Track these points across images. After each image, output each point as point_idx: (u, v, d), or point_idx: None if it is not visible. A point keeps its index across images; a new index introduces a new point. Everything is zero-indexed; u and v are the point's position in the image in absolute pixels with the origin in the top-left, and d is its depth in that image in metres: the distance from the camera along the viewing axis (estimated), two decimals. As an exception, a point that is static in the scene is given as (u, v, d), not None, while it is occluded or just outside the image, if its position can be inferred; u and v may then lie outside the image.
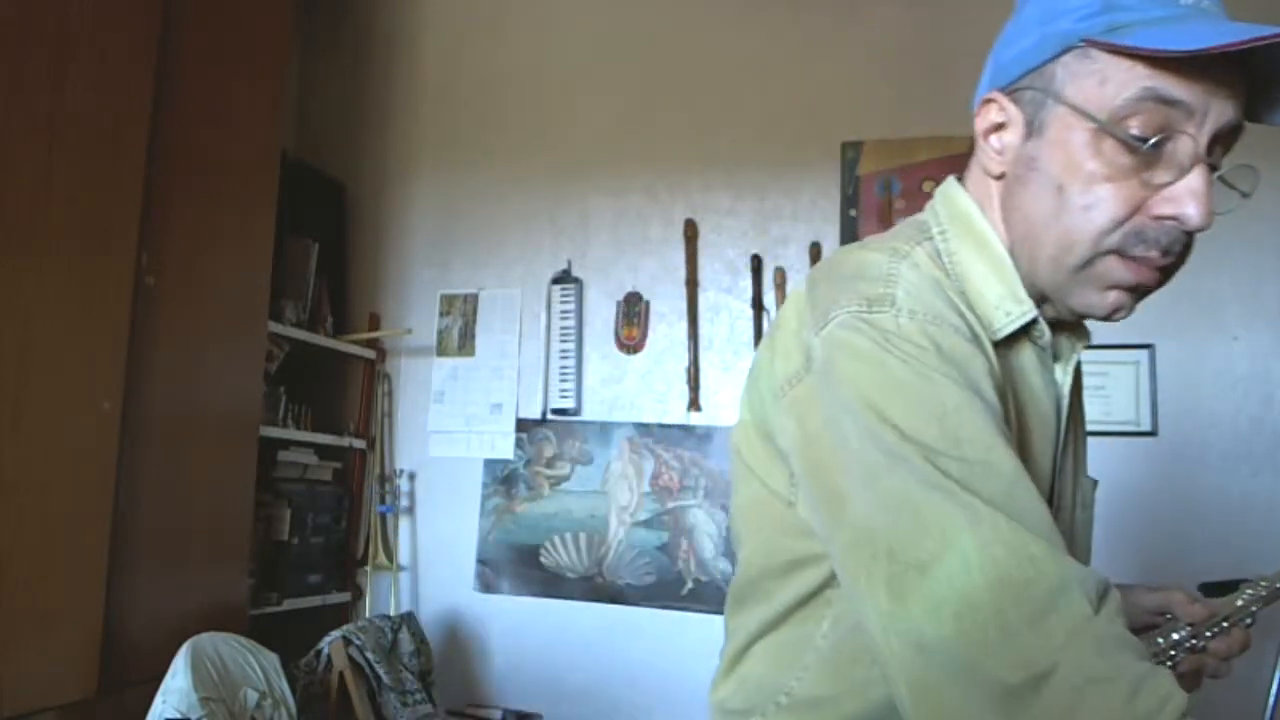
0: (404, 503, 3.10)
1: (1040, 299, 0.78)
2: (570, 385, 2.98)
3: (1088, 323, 0.84)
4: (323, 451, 2.95)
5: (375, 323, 3.21)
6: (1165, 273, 0.74)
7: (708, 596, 2.77)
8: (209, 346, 2.31)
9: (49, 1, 1.90)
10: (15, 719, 1.80)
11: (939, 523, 0.60)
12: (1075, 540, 0.85)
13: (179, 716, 1.88)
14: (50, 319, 1.89)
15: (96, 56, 1.99)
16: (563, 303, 3.03)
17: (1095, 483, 0.91)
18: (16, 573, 1.81)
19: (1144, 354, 2.58)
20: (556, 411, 2.99)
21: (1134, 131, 0.68)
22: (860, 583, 0.64)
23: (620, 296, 3.00)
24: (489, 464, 3.04)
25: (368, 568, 3.02)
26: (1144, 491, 2.54)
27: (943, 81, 2.81)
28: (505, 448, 3.03)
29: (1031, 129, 0.74)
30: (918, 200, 2.79)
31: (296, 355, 2.87)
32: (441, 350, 3.14)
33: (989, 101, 0.78)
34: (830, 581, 0.77)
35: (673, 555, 2.81)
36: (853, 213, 2.83)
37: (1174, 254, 0.72)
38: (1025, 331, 0.77)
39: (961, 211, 0.81)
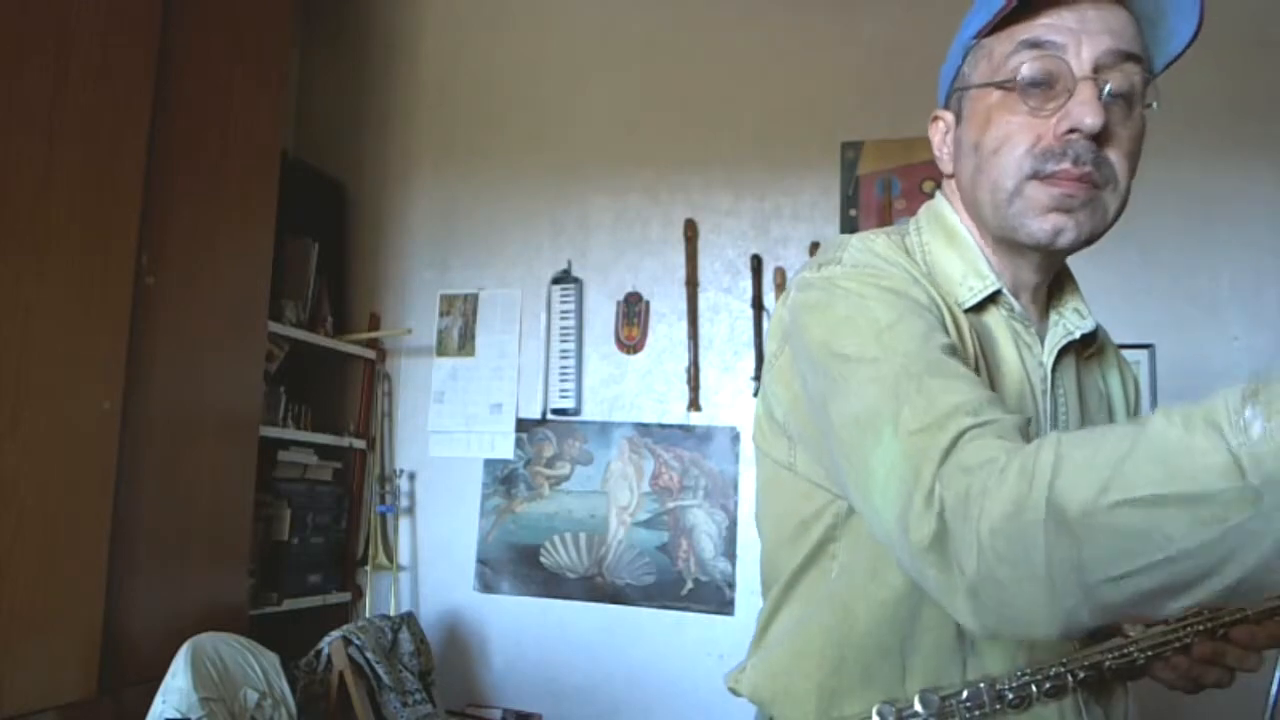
0: (404, 503, 3.10)
1: (1015, 265, 0.87)
2: (570, 385, 2.98)
3: (1108, 322, 0.92)
4: (323, 451, 2.95)
5: (375, 323, 3.21)
6: (1094, 184, 0.80)
7: (708, 596, 2.77)
8: (209, 346, 2.31)
9: (49, 1, 1.90)
10: (15, 719, 1.80)
11: (879, 412, 0.70)
12: None
13: (179, 716, 1.88)
14: (50, 319, 1.89)
15: (96, 56, 1.99)
16: (563, 303, 3.03)
17: None
18: (16, 573, 1.81)
19: (1144, 354, 2.58)
20: (556, 411, 2.99)
21: (1024, 73, 0.79)
22: (851, 468, 0.73)
23: (620, 296, 3.00)
24: (489, 464, 3.04)
25: (368, 568, 3.02)
26: (1144, 491, 2.54)
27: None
28: (505, 448, 3.03)
29: (958, 120, 0.89)
30: (918, 200, 2.79)
31: (296, 355, 2.87)
32: (441, 350, 3.14)
33: (934, 119, 0.94)
34: (832, 534, 0.85)
35: (673, 555, 2.81)
36: (853, 213, 2.83)
37: (1086, 162, 0.78)
38: (994, 303, 0.86)
39: (936, 211, 0.93)
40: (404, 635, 2.62)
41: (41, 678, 1.86)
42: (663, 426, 2.89)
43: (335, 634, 2.45)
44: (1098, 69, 0.78)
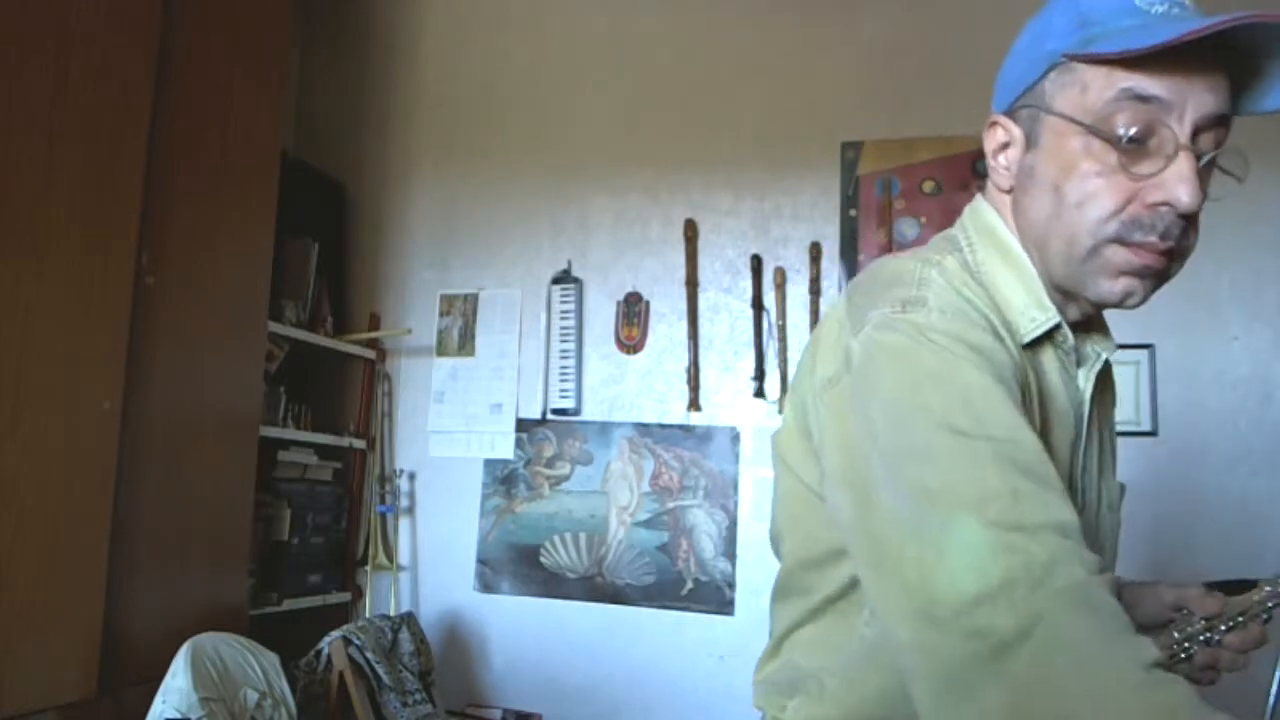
0: (404, 503, 3.10)
1: (1064, 304, 0.84)
2: (570, 385, 2.98)
3: (1109, 323, 0.90)
4: (323, 451, 2.95)
5: (375, 323, 3.21)
6: (1171, 257, 0.78)
7: (708, 596, 2.77)
8: (209, 346, 2.31)
9: (49, 1, 1.90)
10: (15, 719, 1.80)
11: (960, 492, 0.65)
12: (1101, 540, 0.91)
13: (179, 716, 1.88)
14: (50, 319, 1.89)
15: (96, 56, 1.99)
16: (563, 303, 3.03)
17: (1123, 487, 0.96)
18: (16, 573, 1.81)
19: (1144, 354, 2.58)
20: (556, 411, 2.99)
21: (1118, 129, 0.74)
22: (889, 527, 0.68)
23: (620, 296, 3.00)
24: (489, 464, 3.04)
25: (368, 568, 3.02)
26: (1144, 491, 2.54)
27: (943, 81, 2.82)
28: (505, 448, 3.03)
29: (1030, 142, 0.81)
30: (918, 200, 2.79)
31: (296, 355, 2.87)
32: (441, 350, 3.14)
33: (994, 124, 0.85)
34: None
35: (672, 555, 2.81)
36: (853, 213, 2.83)
37: (1173, 238, 0.76)
38: (1049, 336, 0.83)
39: (987, 225, 0.87)
40: (404, 635, 2.62)
41: (41, 678, 1.86)
42: (663, 426, 2.89)
43: (335, 634, 2.45)
44: (1199, 133, 0.74)
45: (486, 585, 2.98)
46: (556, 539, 2.93)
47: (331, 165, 3.27)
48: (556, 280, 3.05)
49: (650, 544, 2.83)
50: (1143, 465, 2.55)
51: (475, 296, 3.14)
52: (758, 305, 2.85)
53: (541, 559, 2.93)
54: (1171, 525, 2.51)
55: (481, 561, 3.00)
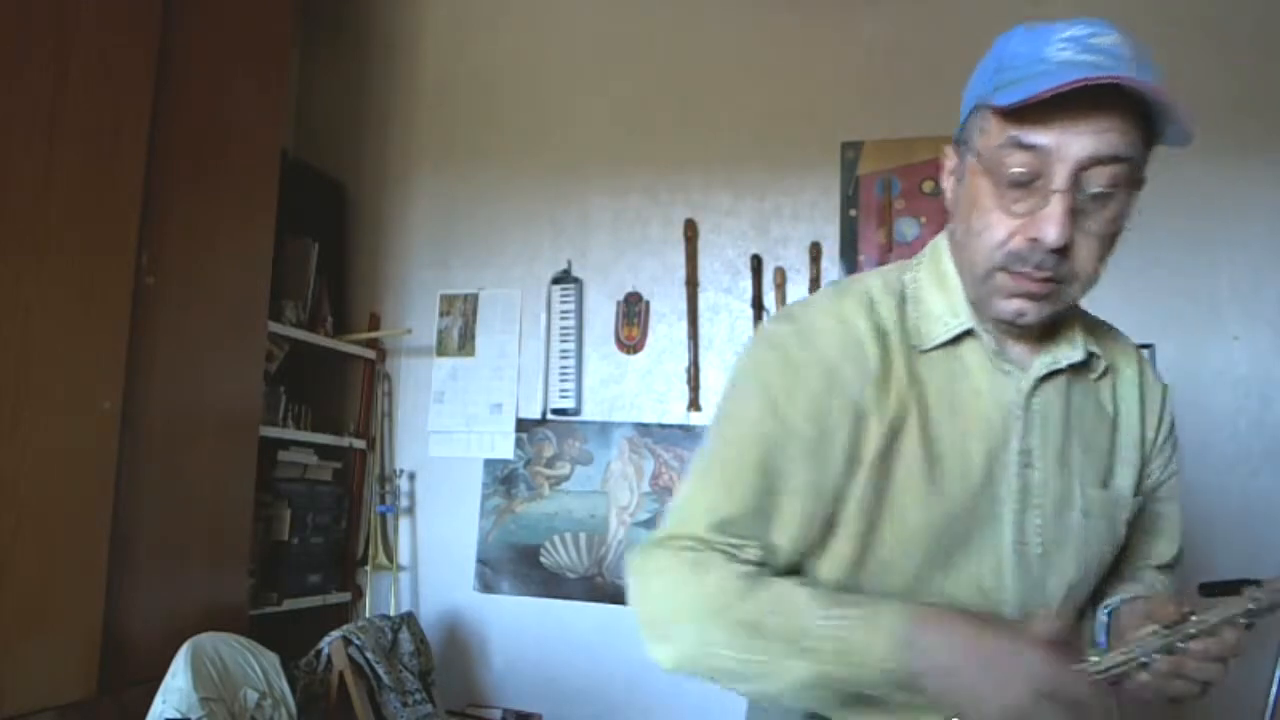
0: (404, 503, 3.10)
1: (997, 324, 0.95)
2: (570, 385, 2.98)
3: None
4: (323, 451, 2.95)
5: (375, 323, 3.21)
6: (1051, 283, 0.86)
7: (708, 596, 2.77)
8: (209, 346, 2.31)
9: (49, 1, 1.90)
10: (15, 719, 1.80)
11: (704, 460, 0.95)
12: (1067, 542, 0.93)
13: (179, 716, 1.88)
14: (50, 319, 1.89)
15: (96, 56, 1.99)
16: (563, 303, 3.03)
17: (1134, 500, 1.01)
18: (16, 573, 1.81)
19: (1144, 354, 2.58)
20: (556, 411, 2.99)
21: (1008, 171, 0.84)
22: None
23: (620, 296, 3.00)
24: (489, 464, 3.04)
25: (368, 568, 3.02)
26: (1144, 491, 2.54)
27: (943, 81, 2.80)
28: (505, 448, 3.03)
29: (959, 175, 0.93)
30: (917, 200, 2.79)
31: (296, 355, 2.87)
32: (441, 350, 3.14)
33: (946, 149, 0.98)
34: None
35: (673, 555, 2.81)
36: (853, 213, 2.83)
37: (1047, 269, 0.85)
38: (972, 338, 0.94)
39: (937, 250, 1.00)
40: (404, 635, 2.62)
41: (41, 678, 1.86)
42: (663, 426, 2.89)
43: (335, 634, 2.45)
44: (1080, 172, 0.82)
45: (486, 585, 2.98)
46: (556, 539, 2.93)
47: (331, 165, 3.27)
48: (556, 280, 3.05)
49: (650, 544, 2.83)
50: (1143, 465, 2.55)
51: (475, 296, 3.14)
52: (758, 305, 2.85)
53: (541, 559, 2.93)
54: (1171, 525, 2.51)
55: (481, 561, 3.00)
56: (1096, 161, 0.82)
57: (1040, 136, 0.82)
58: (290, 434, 2.80)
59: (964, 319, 0.93)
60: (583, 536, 2.90)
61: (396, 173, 3.29)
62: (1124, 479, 0.99)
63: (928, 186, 2.80)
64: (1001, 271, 0.87)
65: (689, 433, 2.86)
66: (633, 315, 2.98)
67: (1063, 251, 0.84)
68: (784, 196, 2.88)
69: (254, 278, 2.48)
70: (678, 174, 2.99)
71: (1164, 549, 1.05)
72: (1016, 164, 0.84)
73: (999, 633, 0.80)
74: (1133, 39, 0.86)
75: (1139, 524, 1.04)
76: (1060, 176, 0.82)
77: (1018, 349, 0.95)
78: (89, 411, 1.97)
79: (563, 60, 3.16)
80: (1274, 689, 2.18)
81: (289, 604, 2.72)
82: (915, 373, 0.92)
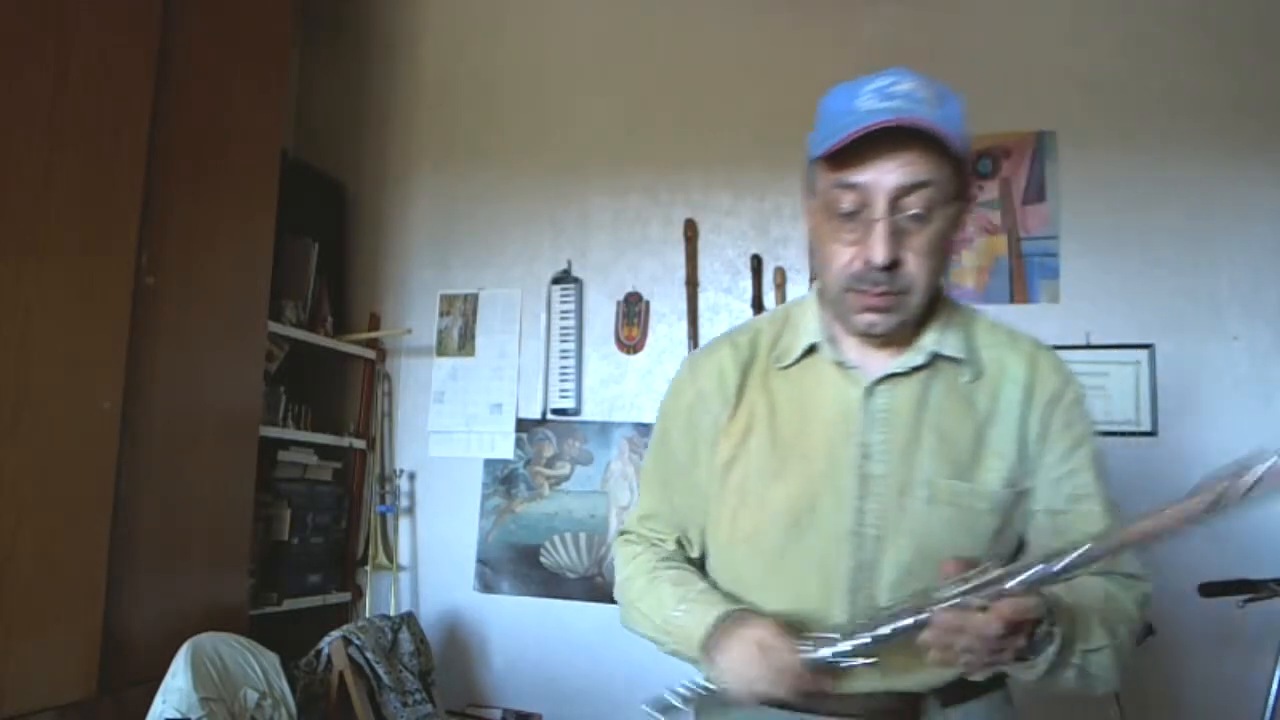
0: (404, 503, 3.10)
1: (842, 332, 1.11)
2: (570, 385, 2.98)
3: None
4: (323, 451, 2.95)
5: (375, 323, 3.21)
6: (891, 296, 1.01)
7: (708, 596, 2.77)
8: (209, 346, 2.31)
9: (49, 1, 1.90)
10: (15, 719, 1.80)
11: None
12: (904, 528, 1.03)
13: (179, 716, 1.88)
14: (50, 319, 1.89)
15: (96, 56, 1.99)
16: (563, 303, 3.03)
17: (1006, 492, 1.05)
18: (16, 573, 1.81)
19: (1144, 354, 2.58)
20: (556, 411, 2.99)
21: (839, 208, 1.01)
22: None
23: (620, 296, 3.00)
24: (489, 464, 3.04)
25: (368, 568, 3.02)
26: (1144, 491, 2.53)
27: (942, 81, 2.81)
28: (505, 448, 3.03)
29: (810, 220, 1.10)
30: (918, 200, 2.79)
31: (296, 355, 2.87)
32: (441, 350, 3.14)
33: (803, 201, 1.13)
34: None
35: (673, 555, 2.81)
36: (853, 213, 2.83)
37: (882, 284, 1.00)
38: (819, 352, 1.11)
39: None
40: (404, 635, 2.62)
41: (41, 678, 1.86)
42: (663, 426, 2.89)
43: (335, 634, 2.45)
44: (896, 200, 0.98)
45: (486, 585, 2.98)
46: (556, 539, 2.93)
47: (331, 165, 3.27)
48: (556, 280, 3.05)
49: (650, 544, 2.83)
50: (1142, 465, 2.55)
51: (475, 296, 3.14)
52: (758, 305, 2.85)
53: (541, 559, 2.93)
54: (1171, 525, 2.51)
55: (481, 561, 3.00)
56: (906, 189, 0.98)
57: (858, 176, 0.99)
58: (290, 434, 2.80)
59: (812, 336, 1.11)
60: (583, 536, 2.90)
61: (396, 173, 3.29)
62: (993, 472, 1.05)
63: (928, 186, 2.79)
64: (849, 291, 1.02)
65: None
66: (633, 315, 2.98)
67: (893, 268, 0.99)
68: (784, 196, 2.88)
69: (254, 278, 2.48)
70: (678, 174, 2.99)
71: (1084, 524, 1.05)
72: (844, 201, 1.00)
73: (764, 633, 0.97)
74: (928, 81, 1.02)
75: (1049, 525, 1.08)
76: (879, 206, 0.98)
77: (877, 356, 1.08)
78: (89, 411, 1.97)
79: (563, 60, 3.16)
80: (1274, 689, 2.18)
81: (289, 604, 2.72)
82: (769, 387, 1.12)
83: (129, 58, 2.07)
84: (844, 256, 1.02)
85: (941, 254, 1.03)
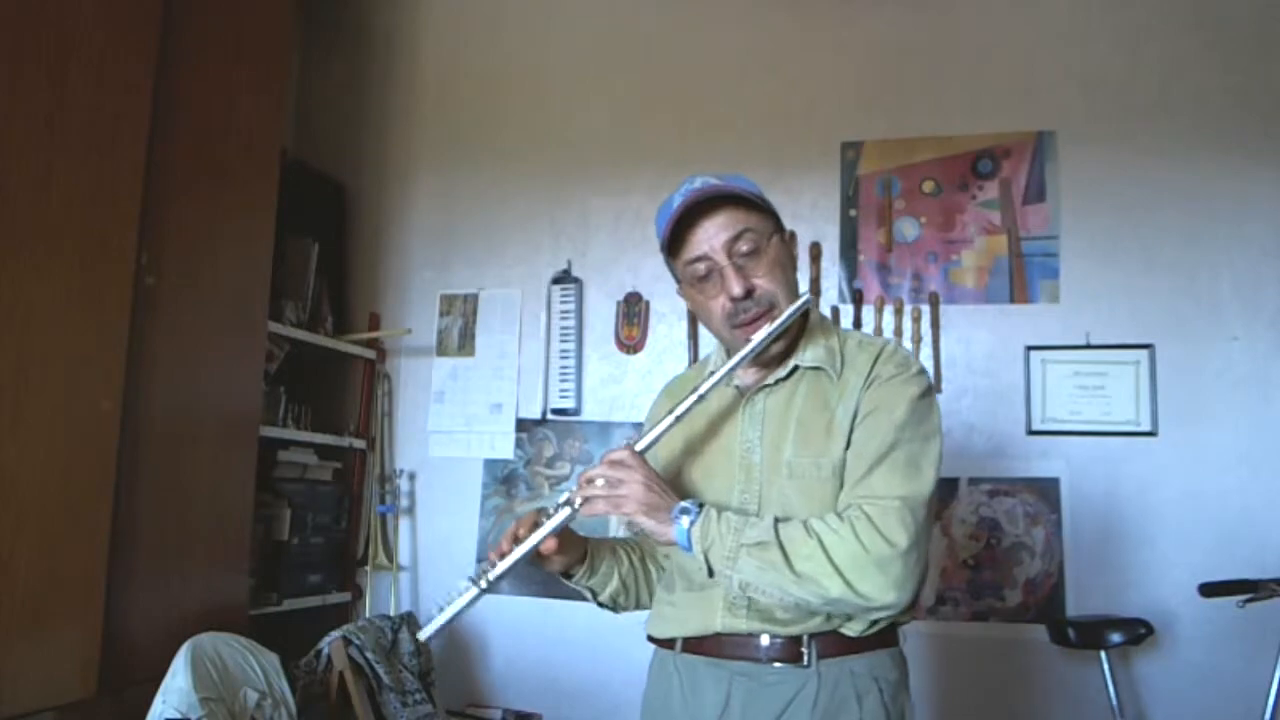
0: (404, 503, 3.10)
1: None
2: (570, 385, 2.98)
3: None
4: (323, 451, 2.95)
5: (375, 323, 3.21)
6: (764, 316, 1.29)
7: (708, 596, 2.77)
8: (209, 346, 2.31)
9: (49, 1, 1.90)
10: (15, 719, 1.80)
11: None
12: (773, 500, 1.28)
13: (179, 716, 1.88)
14: (50, 319, 1.89)
15: (96, 56, 1.99)
16: (563, 303, 3.03)
17: (841, 460, 1.27)
18: (16, 573, 1.80)
19: (1144, 354, 2.58)
20: (556, 411, 2.99)
21: (697, 275, 1.31)
22: None
23: (620, 296, 3.00)
24: (489, 464, 3.04)
25: (368, 568, 3.02)
26: (1144, 491, 2.54)
27: (942, 81, 2.82)
28: (505, 448, 3.03)
29: (689, 303, 1.39)
30: (917, 200, 2.79)
31: (296, 355, 2.87)
32: (441, 350, 3.14)
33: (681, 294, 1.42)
34: None
35: (673, 555, 2.81)
36: (853, 213, 2.83)
37: (751, 310, 1.29)
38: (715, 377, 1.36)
39: None
40: (404, 635, 2.62)
41: (41, 678, 1.86)
42: (663, 426, 2.89)
43: (335, 634, 2.45)
44: (730, 247, 1.28)
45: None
46: (556, 539, 2.92)
47: (331, 165, 3.27)
48: (556, 280, 3.05)
49: (650, 544, 2.83)
50: (1142, 465, 2.55)
51: (475, 296, 3.14)
52: (758, 305, 2.85)
53: (541, 559, 2.93)
54: (1170, 525, 2.51)
55: (482, 561, 2.99)
56: (733, 239, 1.28)
57: (697, 249, 1.29)
58: (290, 434, 2.80)
59: (707, 371, 1.37)
60: (583, 536, 2.90)
61: (396, 173, 3.29)
62: (835, 445, 1.28)
63: (928, 187, 2.80)
64: (734, 329, 1.30)
65: (689, 433, 2.86)
66: (633, 315, 2.98)
67: (750, 294, 1.28)
68: (784, 196, 2.88)
69: (254, 278, 2.48)
70: (678, 174, 2.96)
71: (855, 471, 1.25)
72: (698, 270, 1.30)
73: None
74: (718, 174, 1.34)
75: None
76: (720, 258, 1.28)
77: (757, 375, 1.36)
78: (89, 411, 1.97)
79: (563, 60, 3.16)
80: (1274, 689, 2.18)
81: (289, 604, 2.72)
82: (697, 407, 1.34)
83: (129, 58, 2.07)
84: (716, 306, 1.31)
85: (785, 272, 1.32)
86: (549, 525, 1.29)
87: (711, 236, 1.28)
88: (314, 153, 3.26)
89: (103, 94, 2.00)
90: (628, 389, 2.96)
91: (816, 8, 2.94)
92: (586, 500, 1.24)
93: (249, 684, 2.07)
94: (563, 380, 2.99)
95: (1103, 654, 2.31)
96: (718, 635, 1.29)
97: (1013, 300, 2.68)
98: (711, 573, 1.20)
